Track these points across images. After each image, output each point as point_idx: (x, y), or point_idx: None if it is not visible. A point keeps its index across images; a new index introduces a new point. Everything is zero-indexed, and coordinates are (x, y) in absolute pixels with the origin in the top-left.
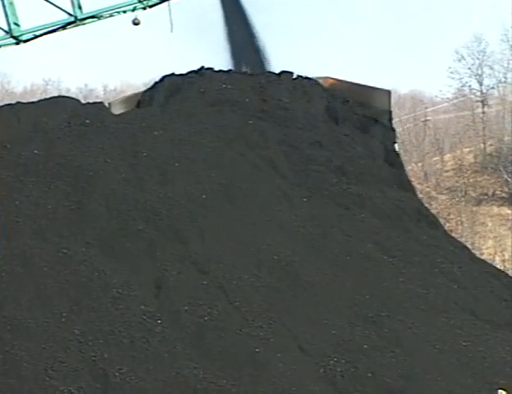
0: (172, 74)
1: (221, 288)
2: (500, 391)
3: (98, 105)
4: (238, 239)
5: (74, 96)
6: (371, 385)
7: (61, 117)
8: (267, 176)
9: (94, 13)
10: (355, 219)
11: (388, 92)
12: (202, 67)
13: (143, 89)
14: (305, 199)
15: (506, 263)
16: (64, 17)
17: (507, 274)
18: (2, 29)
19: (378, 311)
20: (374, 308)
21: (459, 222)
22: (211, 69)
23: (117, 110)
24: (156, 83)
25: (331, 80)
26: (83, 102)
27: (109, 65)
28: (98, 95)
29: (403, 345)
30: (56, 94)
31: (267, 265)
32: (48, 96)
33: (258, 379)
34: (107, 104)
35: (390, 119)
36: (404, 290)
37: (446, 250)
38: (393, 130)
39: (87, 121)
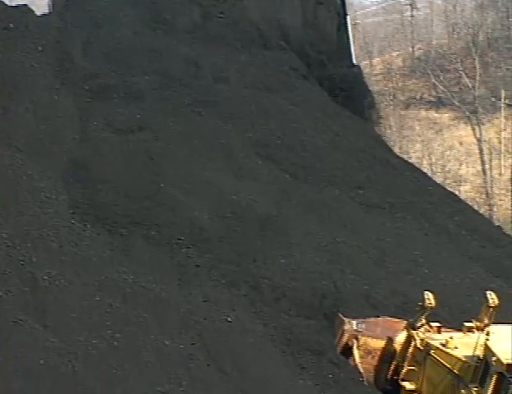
0: None
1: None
2: (426, 292)
3: (23, 8)
4: (196, 179)
5: None
6: (310, 304)
7: None
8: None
9: None
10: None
11: None
12: None
13: None
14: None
15: (433, 167)
16: None
17: (478, 213)
18: None
19: (333, 239)
20: (329, 237)
21: (387, 126)
22: None
23: None
24: None
25: None
26: (7, 3)
27: None
28: None
29: (354, 266)
30: None
31: (226, 205)
32: None
33: (187, 285)
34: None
35: None
36: (370, 224)
37: (419, 188)
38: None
39: (11, 25)
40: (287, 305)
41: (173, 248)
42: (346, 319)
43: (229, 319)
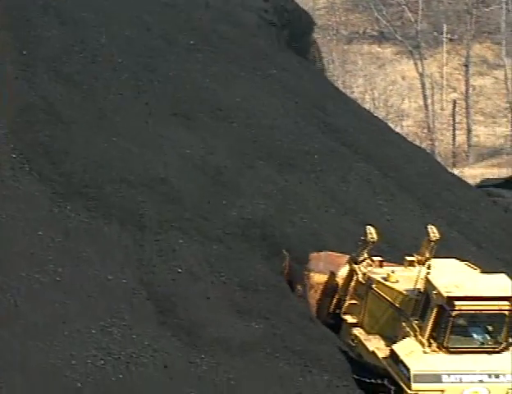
0: None
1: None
2: (368, 227)
3: None
4: (149, 133)
5: None
6: (262, 253)
7: None
8: None
9: None
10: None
11: None
12: None
13: None
14: None
15: (376, 102)
16: None
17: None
18: None
19: (289, 186)
20: (283, 183)
21: (330, 61)
22: None
23: None
24: None
25: None
26: None
27: None
28: None
29: (305, 209)
30: None
31: (180, 158)
32: None
33: (137, 233)
34: None
35: None
36: (327, 170)
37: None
38: None
39: None
40: (240, 254)
41: (124, 198)
42: (289, 255)
43: (179, 270)
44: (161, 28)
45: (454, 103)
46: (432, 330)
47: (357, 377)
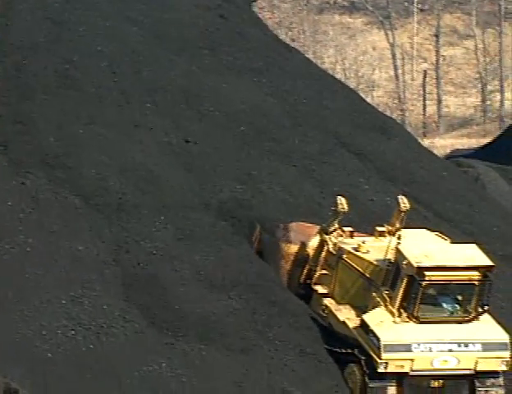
0: None
1: None
2: (339, 197)
3: None
4: (127, 123)
5: None
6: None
7: None
8: None
9: None
10: None
11: None
12: None
13: None
14: None
15: (347, 72)
16: None
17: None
18: None
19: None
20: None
21: (301, 31)
22: None
23: None
24: None
25: None
26: None
27: None
28: None
29: (279, 181)
30: None
31: (157, 145)
32: None
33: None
34: None
35: None
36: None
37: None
38: None
39: None
40: (217, 235)
41: (98, 178)
42: (259, 225)
43: (154, 252)
44: (145, 22)
45: (425, 73)
46: (402, 300)
47: (327, 347)
